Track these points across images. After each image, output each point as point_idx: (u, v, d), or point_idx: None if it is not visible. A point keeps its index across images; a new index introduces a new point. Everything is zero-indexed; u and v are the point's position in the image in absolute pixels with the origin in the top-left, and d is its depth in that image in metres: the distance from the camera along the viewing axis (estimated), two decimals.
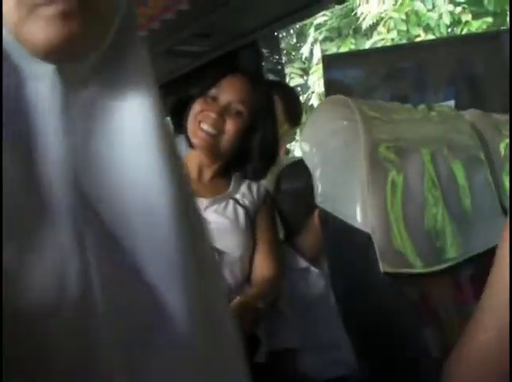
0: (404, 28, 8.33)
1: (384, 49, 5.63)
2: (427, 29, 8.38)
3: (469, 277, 1.34)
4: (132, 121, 0.76)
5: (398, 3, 8.34)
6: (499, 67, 3.46)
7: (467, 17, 8.47)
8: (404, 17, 8.33)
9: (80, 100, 0.75)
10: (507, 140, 1.71)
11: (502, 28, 7.66)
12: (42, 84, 0.73)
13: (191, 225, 0.77)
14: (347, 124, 1.20)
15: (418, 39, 8.23)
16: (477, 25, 8.42)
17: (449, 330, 1.25)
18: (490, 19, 8.46)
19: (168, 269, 0.73)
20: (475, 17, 8.53)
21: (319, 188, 1.25)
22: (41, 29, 0.68)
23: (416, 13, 8.34)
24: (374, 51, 5.95)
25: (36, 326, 0.63)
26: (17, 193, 0.67)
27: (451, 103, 3.44)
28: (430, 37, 8.25)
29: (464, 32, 8.36)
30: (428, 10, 8.40)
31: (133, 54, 0.79)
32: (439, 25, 8.35)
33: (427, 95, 3.59)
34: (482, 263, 1.04)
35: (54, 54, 0.70)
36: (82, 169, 0.73)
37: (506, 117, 1.85)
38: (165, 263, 0.73)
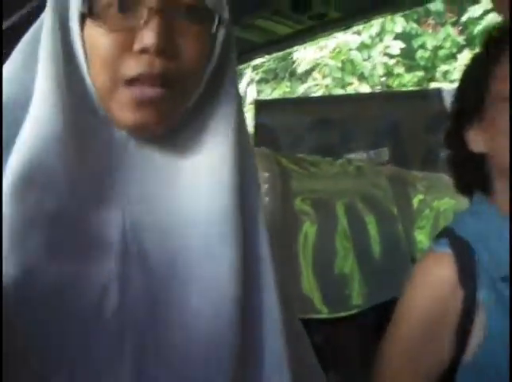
0: (339, 75, 8.51)
1: (314, 99, 5.76)
2: (361, 78, 8.60)
3: (374, 323, 1.42)
4: (207, 178, 0.75)
5: (335, 51, 8.53)
6: (425, 125, 3.58)
7: (399, 69, 8.74)
8: (339, 64, 8.53)
9: (155, 151, 0.76)
10: (420, 196, 1.82)
11: (432, 85, 7.95)
12: (118, 136, 0.75)
13: (251, 282, 0.77)
14: (268, 176, 1.27)
15: (352, 87, 8.43)
16: (409, 78, 8.70)
17: (352, 373, 1.32)
18: (421, 73, 8.75)
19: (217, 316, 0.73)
20: (408, 70, 8.81)
21: None
22: (119, 110, 0.71)
23: (352, 61, 8.53)
24: (304, 100, 6.07)
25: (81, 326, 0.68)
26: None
27: (385, 149, 3.55)
28: (364, 85, 8.46)
29: (396, 83, 8.62)
30: (364, 60, 8.62)
31: (219, 105, 0.78)
32: (372, 76, 8.58)
33: (353, 147, 3.69)
34: (388, 310, 1.12)
35: (130, 132, 0.74)
36: (142, 224, 0.74)
37: (424, 174, 1.96)
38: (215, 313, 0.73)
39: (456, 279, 1.04)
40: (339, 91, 8.36)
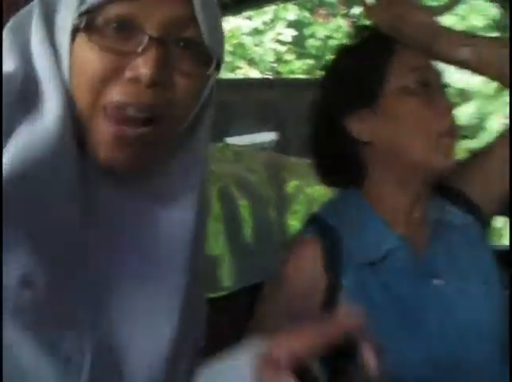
0: (229, 59, 8.54)
1: None
2: (251, 63, 8.66)
3: (245, 304, 1.45)
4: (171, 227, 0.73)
5: (227, 35, 8.52)
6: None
7: (290, 56, 8.86)
8: (230, 48, 8.56)
9: (124, 192, 0.72)
10: (296, 181, 1.86)
11: (321, 74, 8.09)
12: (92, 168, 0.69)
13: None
14: None
15: (241, 71, 8.48)
16: (299, 65, 8.83)
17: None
18: (311, 61, 8.91)
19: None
20: (298, 57, 8.95)
21: None
22: (97, 142, 0.66)
23: (243, 46, 8.58)
24: None
25: None
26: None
27: (270, 134, 3.58)
28: (253, 71, 8.52)
29: (286, 69, 8.74)
30: (255, 45, 8.68)
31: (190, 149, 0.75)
32: (263, 61, 8.66)
33: (239, 131, 3.72)
34: (259, 292, 1.14)
35: (104, 165, 0.68)
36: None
37: (304, 160, 2.00)
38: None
39: (321, 264, 1.07)
40: (228, 75, 8.38)
